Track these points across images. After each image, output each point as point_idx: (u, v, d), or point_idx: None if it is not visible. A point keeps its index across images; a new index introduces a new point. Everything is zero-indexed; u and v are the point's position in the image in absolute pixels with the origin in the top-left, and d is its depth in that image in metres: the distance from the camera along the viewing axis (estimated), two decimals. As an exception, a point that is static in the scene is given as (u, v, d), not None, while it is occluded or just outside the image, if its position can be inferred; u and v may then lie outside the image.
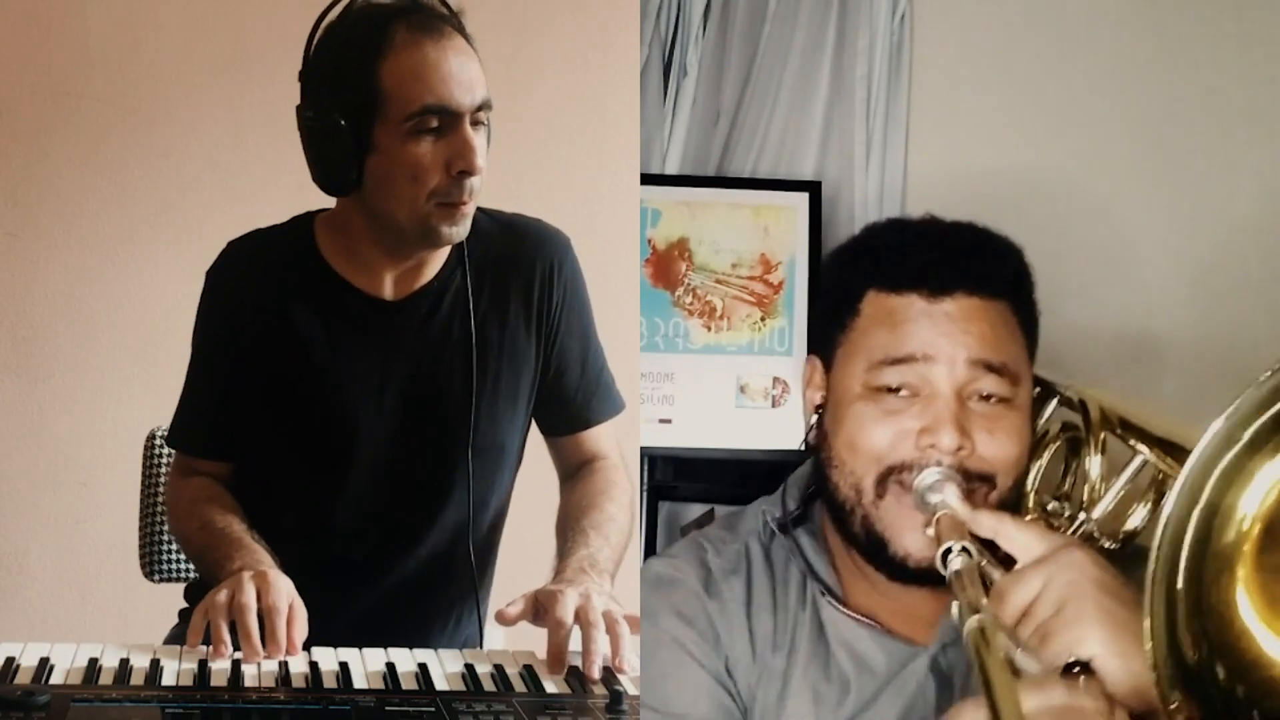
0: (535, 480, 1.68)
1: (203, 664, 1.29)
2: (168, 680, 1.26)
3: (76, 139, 2.21)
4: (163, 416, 1.66)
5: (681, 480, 2.03)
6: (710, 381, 1.97)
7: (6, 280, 2.22)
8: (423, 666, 1.33)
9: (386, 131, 1.42)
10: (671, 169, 2.12)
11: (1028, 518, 1.23)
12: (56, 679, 1.24)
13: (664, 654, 1.25)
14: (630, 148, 2.18)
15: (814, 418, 1.30)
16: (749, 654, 1.25)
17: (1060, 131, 2.09)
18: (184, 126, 2.23)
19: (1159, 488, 1.16)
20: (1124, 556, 1.15)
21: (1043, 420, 1.33)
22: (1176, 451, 1.08)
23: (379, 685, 1.28)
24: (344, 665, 1.32)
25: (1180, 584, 0.85)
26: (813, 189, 2.03)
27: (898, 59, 2.11)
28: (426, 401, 1.54)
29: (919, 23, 2.11)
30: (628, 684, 1.29)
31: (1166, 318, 2.06)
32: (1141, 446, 1.14)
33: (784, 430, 1.93)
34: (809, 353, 1.35)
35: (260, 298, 1.54)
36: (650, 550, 1.94)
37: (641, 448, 1.91)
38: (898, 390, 1.21)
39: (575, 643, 1.34)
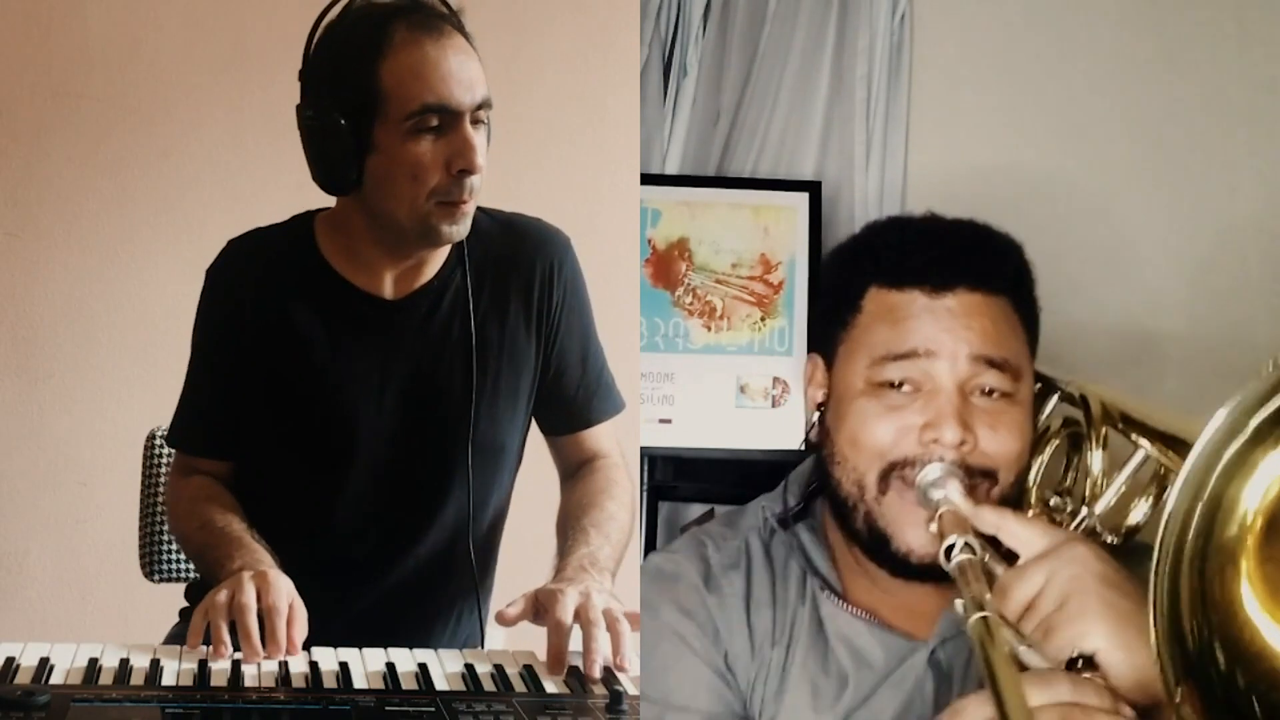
0: (535, 480, 1.68)
1: (203, 664, 1.29)
2: (168, 680, 1.25)
3: (76, 139, 2.21)
4: (163, 416, 1.66)
5: (681, 480, 2.03)
6: (710, 381, 1.97)
7: (6, 280, 2.22)
8: (423, 666, 1.33)
9: (386, 130, 1.42)
10: (671, 169, 2.12)
11: (1030, 513, 1.23)
12: (56, 679, 1.24)
13: (664, 647, 1.25)
14: (630, 148, 2.18)
15: (815, 415, 1.31)
16: (748, 649, 1.25)
17: (1060, 131, 2.09)
18: (184, 126, 2.23)
19: (1160, 482, 1.16)
20: (1126, 551, 1.15)
21: (1044, 416, 1.33)
22: (1178, 446, 1.08)
23: (379, 685, 1.28)
24: (344, 665, 1.32)
25: (1184, 576, 0.85)
26: (813, 189, 2.04)
27: (898, 59, 2.11)
28: (426, 401, 1.54)
29: (919, 23, 2.11)
30: (628, 684, 1.29)
31: (1166, 317, 2.06)
32: (1143, 441, 1.14)
33: (784, 430, 1.93)
34: (810, 351, 1.35)
35: (260, 296, 1.54)
36: (650, 550, 1.94)
37: (641, 448, 1.91)
38: (900, 386, 1.21)
39: (575, 642, 1.34)
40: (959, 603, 1.02)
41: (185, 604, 1.65)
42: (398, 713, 1.21)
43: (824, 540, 1.31)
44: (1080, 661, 0.98)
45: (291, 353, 1.53)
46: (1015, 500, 1.23)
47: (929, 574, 1.19)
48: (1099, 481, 1.19)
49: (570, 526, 1.52)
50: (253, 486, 1.58)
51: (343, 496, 1.55)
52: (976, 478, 1.20)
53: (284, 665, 1.31)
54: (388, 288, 1.53)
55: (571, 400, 1.62)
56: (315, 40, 1.46)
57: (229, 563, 1.41)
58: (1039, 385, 1.31)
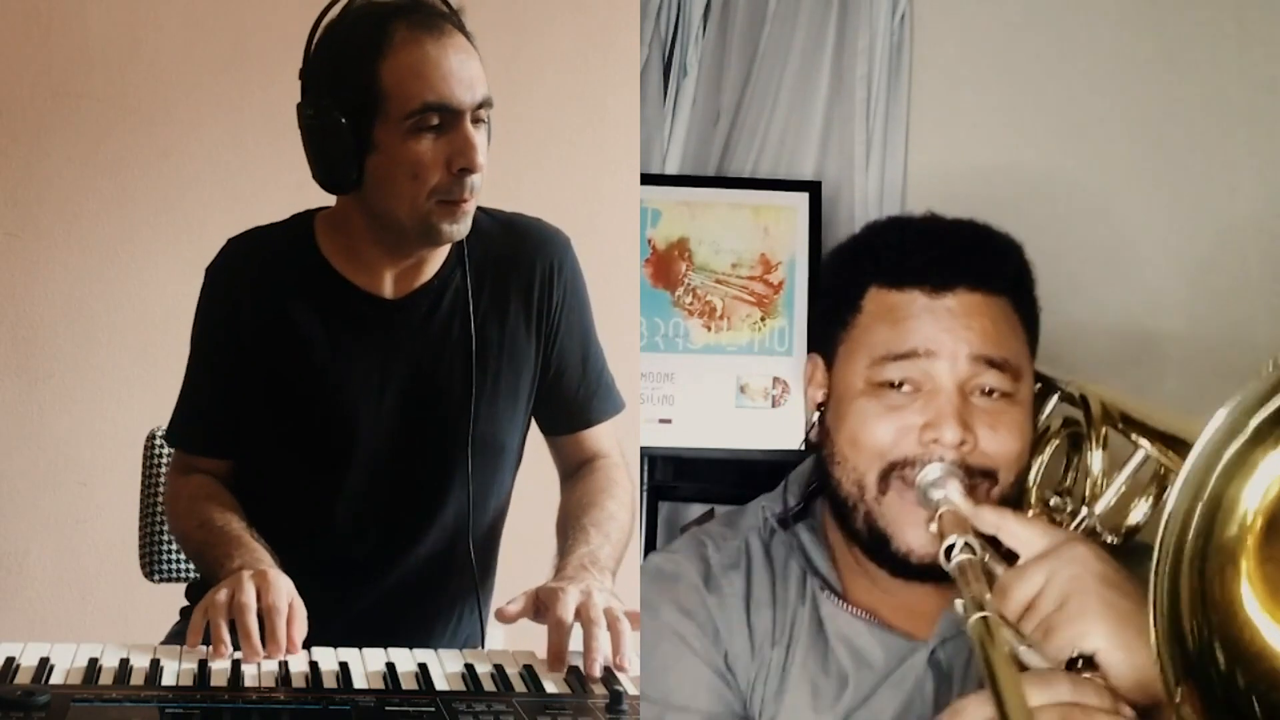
0: (535, 480, 1.68)
1: (203, 664, 1.29)
2: (168, 680, 1.25)
3: (76, 139, 2.21)
4: (162, 416, 1.66)
5: (681, 480, 2.03)
6: (710, 381, 1.97)
7: (6, 280, 2.22)
8: (423, 666, 1.33)
9: (387, 129, 1.43)
10: (671, 169, 2.12)
11: (1030, 513, 1.23)
12: (56, 679, 1.24)
13: (665, 647, 1.25)
14: (630, 148, 2.18)
15: (815, 415, 1.31)
16: (748, 649, 1.25)
17: (1060, 131, 2.09)
18: (184, 126, 2.23)
19: (1160, 482, 1.16)
20: (1126, 551, 1.15)
21: (1044, 416, 1.33)
22: (1178, 445, 1.08)
23: (379, 685, 1.28)
24: (344, 665, 1.32)
25: (1184, 576, 0.85)
26: (813, 189, 2.04)
27: (898, 59, 2.11)
28: (426, 400, 1.54)
29: (919, 23, 2.11)
30: (628, 683, 1.29)
31: (1166, 317, 2.06)
32: (1143, 441, 1.14)
33: (784, 430, 1.93)
34: (810, 351, 1.35)
35: (259, 295, 1.54)
36: (650, 550, 1.94)
37: (641, 448, 1.91)
38: (900, 386, 1.22)
39: (575, 642, 1.34)
40: (959, 603, 1.02)
41: (186, 603, 1.65)
42: (398, 713, 1.21)
43: (824, 540, 1.31)
44: (1080, 661, 0.98)
45: (291, 352, 1.53)
46: (1015, 500, 1.23)
47: (929, 574, 1.19)
48: (1099, 481, 1.19)
49: (570, 526, 1.52)
50: (252, 486, 1.58)
51: (342, 496, 1.55)
52: (976, 478, 1.20)
53: (284, 665, 1.31)
54: (388, 287, 1.53)
55: (571, 400, 1.62)
56: (316, 39, 1.46)
57: (228, 562, 1.41)
58: (1039, 385, 1.31)
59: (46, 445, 2.25)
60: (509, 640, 1.49)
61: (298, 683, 1.27)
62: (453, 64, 1.43)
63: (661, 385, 1.96)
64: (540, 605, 1.38)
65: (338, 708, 1.22)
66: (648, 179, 2.04)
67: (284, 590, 1.36)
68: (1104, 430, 1.20)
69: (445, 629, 1.61)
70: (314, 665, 1.31)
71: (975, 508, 1.14)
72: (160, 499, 1.78)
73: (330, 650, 1.35)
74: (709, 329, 1.98)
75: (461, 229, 1.47)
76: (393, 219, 1.46)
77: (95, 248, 2.23)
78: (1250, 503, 0.86)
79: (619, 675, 1.31)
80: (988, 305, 1.22)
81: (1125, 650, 0.97)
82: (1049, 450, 1.29)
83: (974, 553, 1.08)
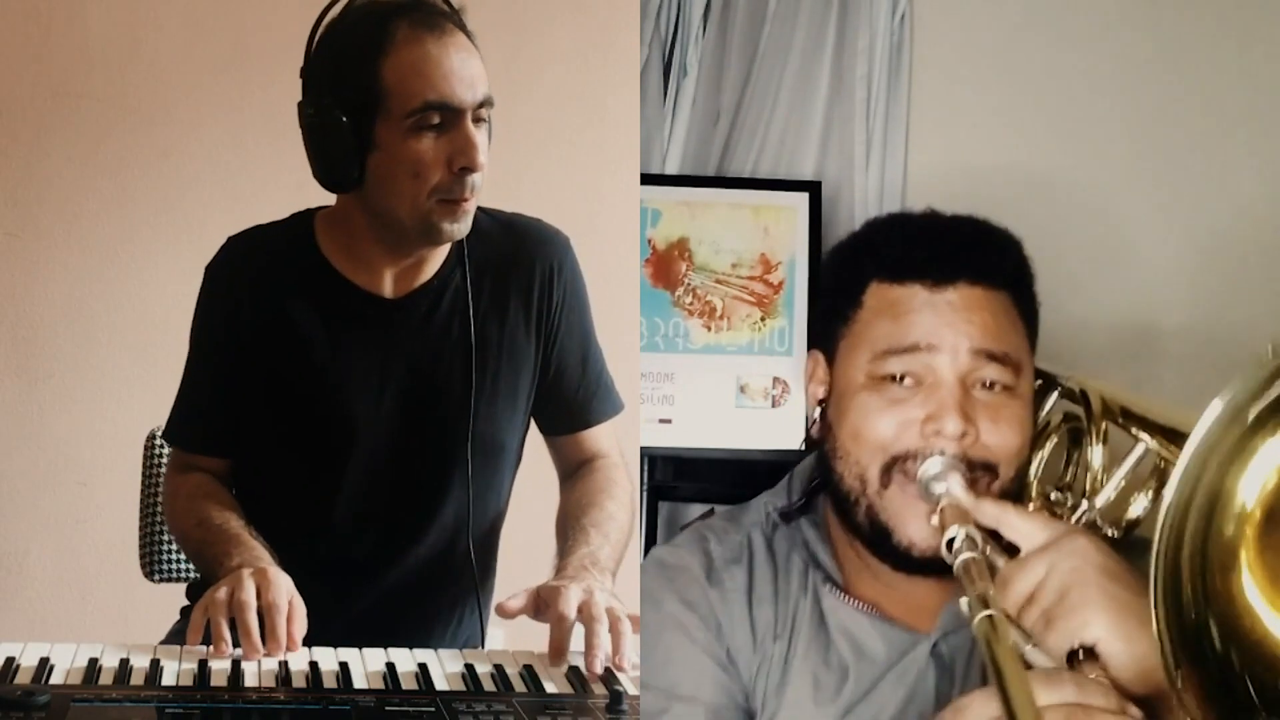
0: (536, 480, 1.68)
1: (203, 664, 1.29)
2: (168, 680, 1.25)
3: (76, 139, 2.21)
4: (162, 416, 1.66)
5: (681, 480, 2.03)
6: (710, 381, 1.97)
7: (6, 280, 2.22)
8: (423, 666, 1.33)
9: (388, 128, 1.42)
10: (671, 169, 2.12)
11: (1030, 508, 1.23)
12: (56, 679, 1.24)
13: (668, 638, 1.26)
14: (630, 148, 2.18)
15: (817, 411, 1.31)
16: (750, 643, 1.25)
17: (1060, 131, 2.09)
18: (184, 126, 2.23)
19: (1160, 476, 1.16)
20: (1126, 545, 1.15)
21: (1044, 412, 1.34)
22: (1178, 439, 1.08)
23: (379, 685, 1.28)
24: (344, 665, 1.32)
25: (1185, 559, 0.85)
26: (813, 189, 2.04)
27: (898, 59, 2.11)
28: (426, 399, 1.54)
29: (919, 23, 2.11)
30: (628, 683, 1.29)
31: (1166, 314, 2.07)
32: (1143, 434, 1.15)
33: (784, 430, 1.93)
34: (810, 348, 1.36)
35: (259, 294, 1.54)
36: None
37: (641, 448, 1.91)
38: (901, 380, 1.22)
39: (575, 643, 1.34)
40: (964, 600, 1.02)
41: (186, 603, 1.65)
42: (398, 713, 1.21)
43: (826, 535, 1.31)
44: (1081, 653, 0.98)
45: (290, 350, 1.53)
46: (1015, 495, 1.24)
47: (930, 568, 1.20)
48: (1099, 476, 1.19)
49: (570, 527, 1.52)
50: (251, 485, 1.58)
51: (341, 495, 1.55)
52: (977, 471, 1.20)
53: (284, 665, 1.30)
54: (387, 286, 1.53)
55: (571, 401, 1.62)
56: (317, 37, 1.46)
57: (227, 560, 1.41)
58: (1040, 382, 1.32)
59: (46, 445, 2.25)
60: (509, 640, 1.49)
61: (298, 683, 1.27)
62: (454, 63, 1.43)
63: (661, 385, 1.96)
64: (541, 603, 1.38)
65: (338, 708, 1.22)
66: (648, 179, 2.04)
67: (284, 588, 1.36)
68: (1104, 425, 1.21)
69: (445, 629, 1.61)
70: (314, 665, 1.31)
71: (976, 501, 1.15)
72: (160, 499, 1.78)
73: (330, 650, 1.35)
74: (709, 329, 1.98)
75: (462, 228, 1.47)
76: (393, 217, 1.46)
77: (95, 248, 2.23)
78: (1251, 489, 0.86)
79: (619, 675, 1.31)
80: (988, 299, 1.23)
81: (1126, 641, 0.97)
82: (1049, 445, 1.30)
83: (975, 544, 1.09)
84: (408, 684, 1.29)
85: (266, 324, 1.53)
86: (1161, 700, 0.95)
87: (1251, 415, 0.83)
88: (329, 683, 1.27)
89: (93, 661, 1.27)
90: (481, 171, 1.44)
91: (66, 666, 1.26)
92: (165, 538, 1.78)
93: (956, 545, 1.09)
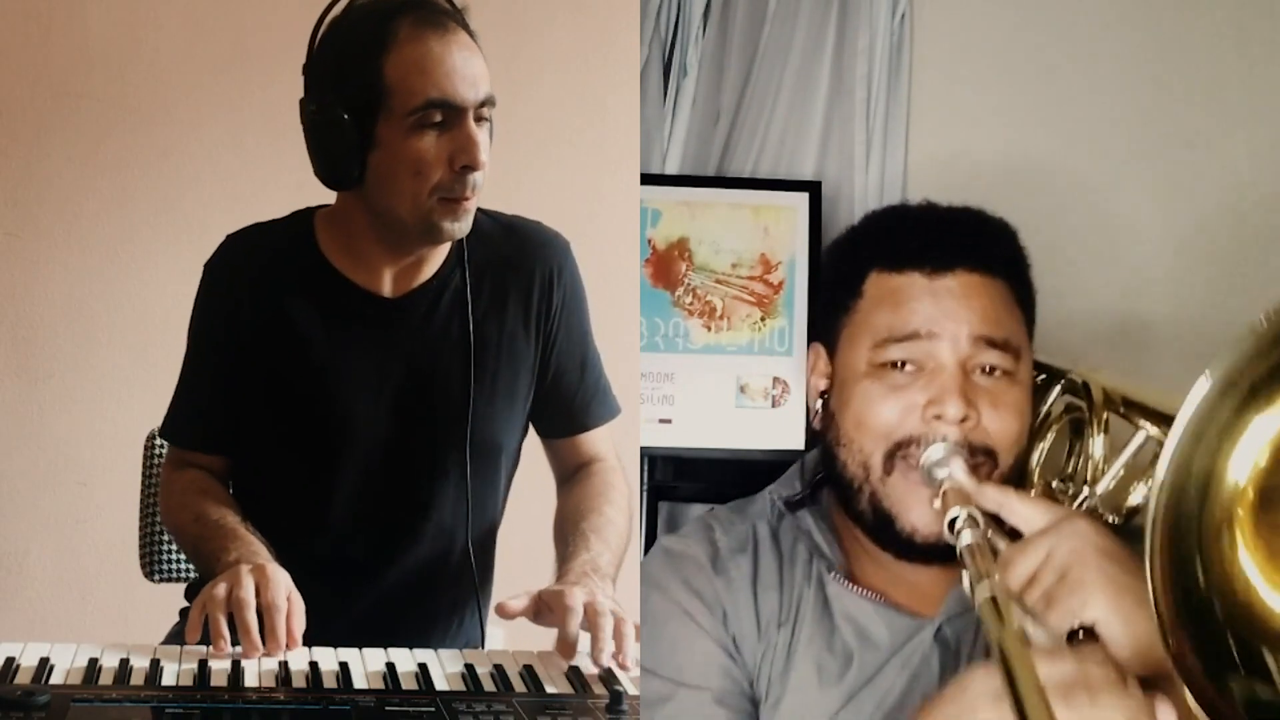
0: (536, 481, 1.68)
1: (202, 664, 1.29)
2: (167, 680, 1.25)
3: (76, 139, 2.21)
4: (162, 416, 1.66)
5: (681, 480, 2.03)
6: (710, 381, 1.96)
7: (6, 280, 2.22)
8: (423, 666, 1.33)
9: (389, 126, 1.42)
10: (671, 169, 2.12)
11: (1031, 495, 1.24)
12: (56, 679, 1.24)
13: (673, 625, 1.26)
14: (630, 148, 2.17)
15: (819, 402, 1.32)
16: (754, 632, 1.26)
17: (1061, 131, 2.09)
18: (184, 126, 2.23)
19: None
20: (1127, 531, 1.16)
21: (1046, 404, 1.34)
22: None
23: (379, 685, 1.28)
24: (344, 665, 1.32)
25: (1180, 531, 0.86)
26: (813, 189, 2.03)
27: (898, 59, 2.11)
28: (424, 399, 1.54)
29: (919, 22, 2.11)
30: (628, 684, 1.29)
31: (1162, 307, 2.07)
32: (1145, 422, 1.16)
33: (784, 430, 1.93)
34: (811, 341, 1.37)
35: (257, 292, 1.53)
36: (650, 551, 1.94)
37: (641, 448, 1.91)
38: (903, 366, 1.24)
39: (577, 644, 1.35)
40: (967, 583, 1.03)
41: (186, 604, 1.65)
42: (398, 713, 1.21)
43: (830, 525, 1.32)
44: (1081, 632, 0.99)
45: (289, 349, 1.53)
46: (1016, 483, 1.25)
47: (933, 554, 1.21)
48: (1100, 466, 1.20)
49: (570, 532, 1.52)
50: (248, 484, 1.58)
51: (339, 494, 1.55)
52: (979, 457, 1.22)
53: (284, 665, 1.30)
54: (387, 285, 1.53)
55: (569, 404, 1.62)
56: (319, 35, 1.46)
57: (224, 555, 1.41)
58: (1043, 376, 1.33)
59: (46, 445, 2.25)
60: (509, 640, 1.49)
61: (298, 683, 1.27)
62: (456, 61, 1.43)
63: (661, 385, 1.96)
64: (543, 606, 1.38)
65: (338, 708, 1.22)
66: (648, 179, 2.04)
67: (282, 585, 1.36)
68: (1105, 415, 1.21)
69: (445, 630, 1.61)
70: (314, 665, 1.31)
71: (979, 485, 1.16)
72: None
73: (330, 650, 1.35)
74: (709, 329, 1.98)
75: (463, 227, 1.47)
76: (394, 216, 1.46)
77: (95, 248, 2.23)
78: (1244, 464, 0.87)
79: (619, 675, 1.31)
80: (986, 286, 1.25)
81: (1124, 621, 0.98)
82: (1051, 436, 1.31)
83: (977, 525, 1.10)
84: (408, 684, 1.29)
85: (265, 322, 1.53)
86: (1160, 678, 0.96)
87: (1247, 385, 0.83)
88: (329, 683, 1.28)
89: (93, 661, 1.27)
90: (483, 170, 1.44)
91: (66, 666, 1.26)
92: (165, 538, 1.78)
93: (958, 525, 1.10)
